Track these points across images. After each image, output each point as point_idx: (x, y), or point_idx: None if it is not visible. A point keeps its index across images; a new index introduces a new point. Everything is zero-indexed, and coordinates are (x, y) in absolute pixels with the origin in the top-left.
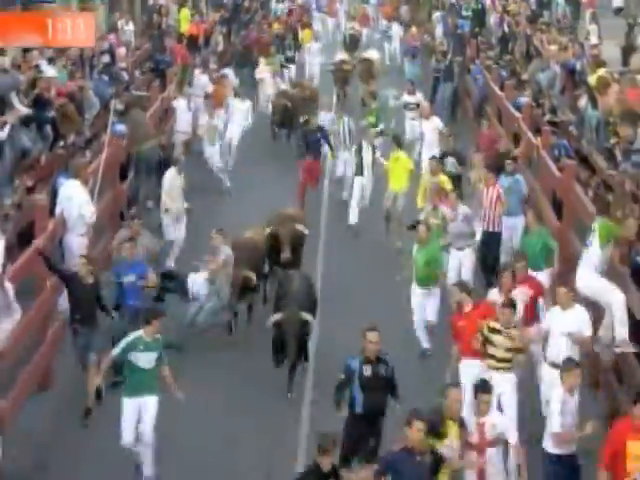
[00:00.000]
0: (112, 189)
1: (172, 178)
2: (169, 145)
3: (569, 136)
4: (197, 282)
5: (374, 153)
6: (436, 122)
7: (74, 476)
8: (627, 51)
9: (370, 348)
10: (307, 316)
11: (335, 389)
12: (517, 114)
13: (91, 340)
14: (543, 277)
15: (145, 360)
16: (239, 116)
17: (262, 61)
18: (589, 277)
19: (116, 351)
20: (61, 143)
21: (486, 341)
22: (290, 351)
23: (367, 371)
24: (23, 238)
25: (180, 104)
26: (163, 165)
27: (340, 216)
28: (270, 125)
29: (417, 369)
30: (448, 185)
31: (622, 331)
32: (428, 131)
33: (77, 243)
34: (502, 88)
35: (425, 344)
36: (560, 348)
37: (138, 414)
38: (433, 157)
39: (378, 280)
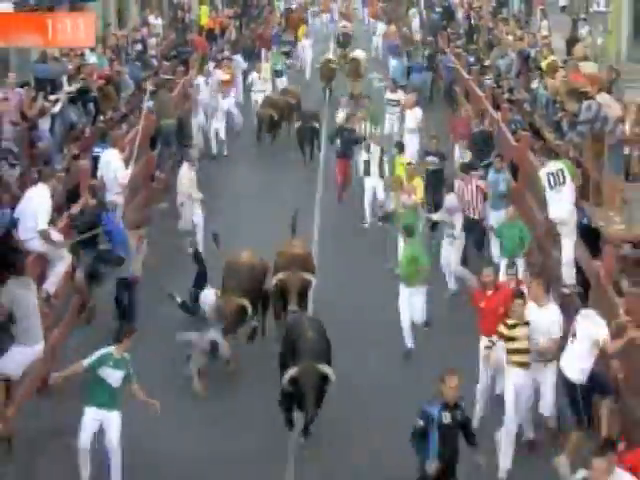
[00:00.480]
0: (145, 155)
1: (184, 174)
2: (186, 122)
3: (523, 112)
4: (208, 298)
5: (382, 154)
6: (417, 113)
7: None
8: (571, 42)
9: (450, 394)
10: (326, 369)
11: (413, 437)
12: (481, 93)
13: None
14: (520, 263)
15: (114, 378)
16: (220, 113)
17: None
18: (567, 211)
19: (88, 362)
20: (101, 118)
21: (509, 340)
22: (309, 406)
23: (446, 418)
24: (71, 196)
25: (200, 81)
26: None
27: (335, 213)
28: (256, 131)
29: (412, 370)
30: (420, 189)
31: (569, 275)
32: (410, 120)
33: (115, 200)
34: (469, 72)
35: (409, 344)
36: (538, 342)
37: (99, 425)
38: (409, 163)
39: (372, 282)
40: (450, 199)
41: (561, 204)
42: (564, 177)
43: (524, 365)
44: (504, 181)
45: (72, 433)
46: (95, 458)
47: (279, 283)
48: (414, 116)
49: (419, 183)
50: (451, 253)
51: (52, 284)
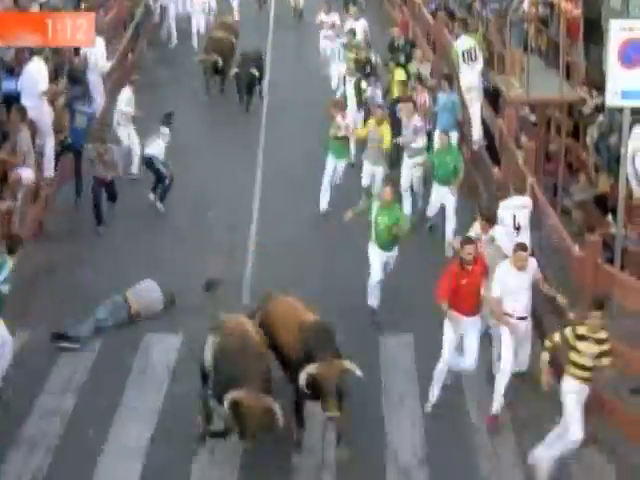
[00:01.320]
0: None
1: (124, 93)
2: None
3: None
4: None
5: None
6: (363, 23)
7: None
8: None
9: None
10: None
11: None
12: None
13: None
14: (452, 192)
15: (6, 289)
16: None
17: None
18: (476, 80)
19: (6, 287)
20: (82, 5)
21: (571, 348)
22: None
23: None
24: (59, 69)
25: None
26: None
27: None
28: (203, 77)
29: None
30: (387, 136)
31: (477, 132)
32: (359, 32)
33: (94, 80)
34: None
35: (374, 301)
36: (522, 302)
37: None
38: (379, 106)
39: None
40: (415, 119)
41: (472, 74)
42: (476, 54)
43: (581, 380)
44: (458, 104)
45: (63, 272)
46: None
47: (314, 377)
48: (362, 27)
49: (387, 129)
50: (411, 177)
51: (48, 169)
